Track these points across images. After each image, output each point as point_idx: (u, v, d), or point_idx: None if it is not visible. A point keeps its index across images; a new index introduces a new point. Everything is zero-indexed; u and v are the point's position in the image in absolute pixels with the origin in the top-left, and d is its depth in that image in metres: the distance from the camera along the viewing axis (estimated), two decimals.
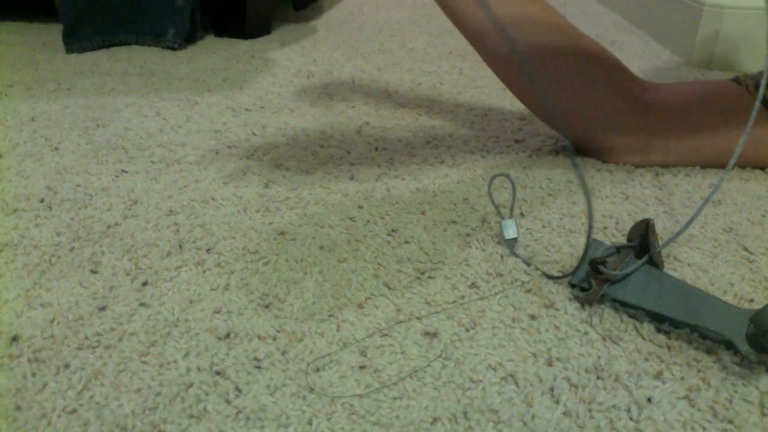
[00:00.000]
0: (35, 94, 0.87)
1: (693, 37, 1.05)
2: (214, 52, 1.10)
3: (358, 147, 0.72)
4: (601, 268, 0.45)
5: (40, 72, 0.97)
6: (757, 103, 0.51)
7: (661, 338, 0.42)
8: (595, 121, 0.66)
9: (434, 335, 0.43)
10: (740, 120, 0.61)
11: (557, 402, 0.37)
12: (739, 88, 0.65)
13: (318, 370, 0.40)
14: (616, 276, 0.45)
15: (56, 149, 0.70)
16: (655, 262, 0.47)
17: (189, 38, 1.14)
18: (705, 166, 0.66)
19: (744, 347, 0.39)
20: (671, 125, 0.65)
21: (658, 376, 0.39)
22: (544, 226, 0.56)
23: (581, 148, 0.70)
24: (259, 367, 0.40)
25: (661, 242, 0.50)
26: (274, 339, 0.42)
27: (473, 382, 0.39)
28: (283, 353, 0.41)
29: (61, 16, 1.07)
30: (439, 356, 0.41)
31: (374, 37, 1.24)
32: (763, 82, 0.52)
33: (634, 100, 0.65)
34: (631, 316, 0.44)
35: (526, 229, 0.55)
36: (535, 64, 0.64)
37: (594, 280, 0.45)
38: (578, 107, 0.65)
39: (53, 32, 1.18)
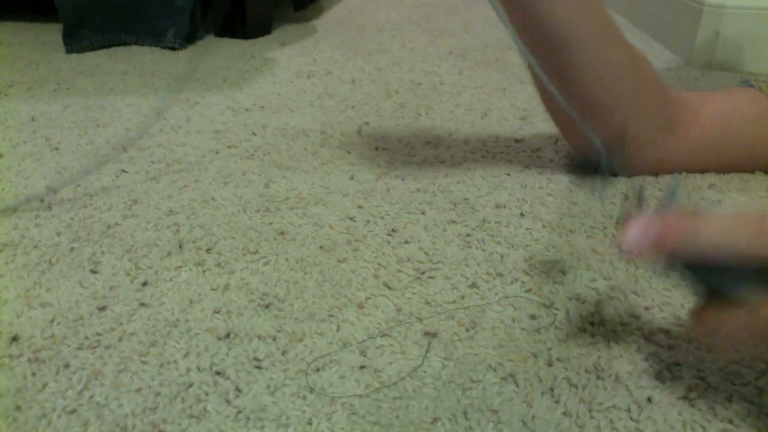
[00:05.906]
0: (35, 94, 0.87)
1: (693, 37, 1.05)
2: (214, 52, 1.10)
3: (358, 147, 0.72)
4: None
5: (40, 72, 0.97)
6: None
7: (661, 338, 0.42)
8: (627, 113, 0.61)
9: (434, 335, 0.43)
10: (762, 125, 0.63)
11: (557, 402, 0.37)
12: (759, 94, 0.64)
13: (318, 370, 0.40)
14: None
15: (56, 149, 0.70)
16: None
17: (189, 38, 1.14)
18: (731, 170, 0.66)
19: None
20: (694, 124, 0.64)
21: (658, 376, 0.39)
22: (544, 226, 0.56)
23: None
24: (259, 367, 0.40)
25: None
26: (274, 339, 0.42)
27: (473, 382, 0.39)
28: (283, 353, 0.41)
29: (61, 16, 1.07)
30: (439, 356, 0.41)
31: (374, 37, 1.24)
32: None
33: (664, 93, 0.63)
34: (631, 316, 0.44)
35: (527, 229, 0.55)
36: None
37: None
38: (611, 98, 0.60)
39: (53, 32, 1.18)
